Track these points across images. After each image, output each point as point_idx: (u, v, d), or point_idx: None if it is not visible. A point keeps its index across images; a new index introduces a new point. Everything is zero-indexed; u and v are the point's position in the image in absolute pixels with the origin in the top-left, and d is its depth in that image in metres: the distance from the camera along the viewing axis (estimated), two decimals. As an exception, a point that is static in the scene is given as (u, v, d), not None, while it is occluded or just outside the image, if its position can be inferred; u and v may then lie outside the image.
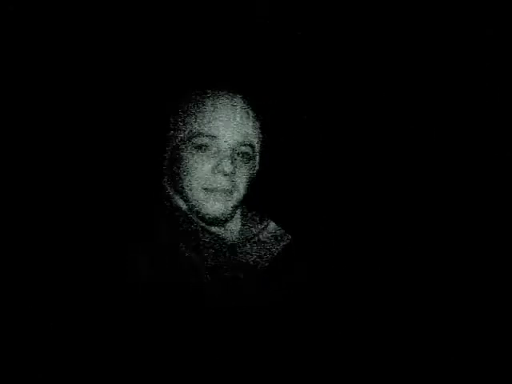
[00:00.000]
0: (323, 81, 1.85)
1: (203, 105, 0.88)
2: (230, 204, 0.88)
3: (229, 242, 0.90)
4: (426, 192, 1.82)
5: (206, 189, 0.87)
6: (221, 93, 0.90)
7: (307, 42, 1.84)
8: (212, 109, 0.87)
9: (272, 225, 0.97)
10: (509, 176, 1.69)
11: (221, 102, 0.88)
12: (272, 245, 0.94)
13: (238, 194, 0.89)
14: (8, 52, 1.63)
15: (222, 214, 0.87)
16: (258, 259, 0.92)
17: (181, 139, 0.89)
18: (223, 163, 0.84)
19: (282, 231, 0.97)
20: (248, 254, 0.92)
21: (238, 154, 0.88)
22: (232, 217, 0.93)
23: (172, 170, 0.92)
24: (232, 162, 0.85)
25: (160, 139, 0.96)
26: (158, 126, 0.97)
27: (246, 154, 0.89)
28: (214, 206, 0.86)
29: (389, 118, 1.86)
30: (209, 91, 0.90)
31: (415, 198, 1.81)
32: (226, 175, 0.85)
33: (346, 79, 1.85)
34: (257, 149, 0.93)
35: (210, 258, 0.87)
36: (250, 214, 0.98)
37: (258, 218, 0.97)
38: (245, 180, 0.89)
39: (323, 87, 1.85)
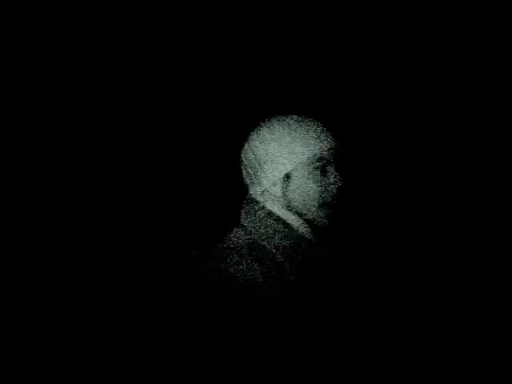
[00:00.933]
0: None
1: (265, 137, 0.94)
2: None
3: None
4: (426, 192, 1.83)
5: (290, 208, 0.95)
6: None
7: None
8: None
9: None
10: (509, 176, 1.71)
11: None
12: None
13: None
14: (8, 52, 1.60)
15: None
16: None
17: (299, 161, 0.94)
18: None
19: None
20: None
21: (313, 169, 0.93)
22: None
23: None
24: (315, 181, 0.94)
25: None
26: None
27: (321, 168, 0.93)
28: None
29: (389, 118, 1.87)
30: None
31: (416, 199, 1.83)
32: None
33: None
34: (327, 158, 0.96)
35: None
36: None
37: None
38: (330, 194, 0.94)
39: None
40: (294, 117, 0.95)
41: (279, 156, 0.91)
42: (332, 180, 0.91)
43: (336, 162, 0.93)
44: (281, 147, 0.91)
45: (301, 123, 0.93)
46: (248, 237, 0.91)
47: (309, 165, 0.91)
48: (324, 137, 0.92)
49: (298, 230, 0.92)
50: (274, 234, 0.90)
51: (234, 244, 0.89)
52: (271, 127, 0.93)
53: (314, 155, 0.90)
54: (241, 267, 0.84)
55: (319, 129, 0.93)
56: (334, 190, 0.91)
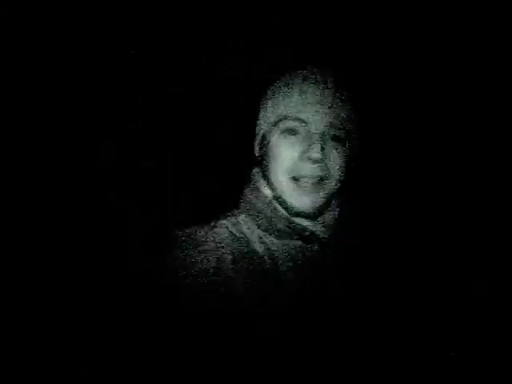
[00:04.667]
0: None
1: (291, 86, 0.80)
2: (321, 196, 0.78)
3: (319, 238, 0.82)
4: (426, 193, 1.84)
5: (292, 177, 0.78)
6: (310, 72, 0.81)
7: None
8: (300, 90, 0.79)
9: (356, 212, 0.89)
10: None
11: (310, 82, 0.80)
12: (369, 239, 0.87)
13: (332, 184, 0.79)
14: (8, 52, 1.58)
15: (309, 207, 0.79)
16: (352, 258, 0.83)
17: (269, 124, 0.82)
18: (312, 149, 0.75)
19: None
20: (341, 251, 0.82)
21: (330, 137, 0.78)
22: (325, 209, 0.83)
23: (261, 157, 0.86)
24: (322, 148, 0.76)
25: (250, 124, 0.90)
26: (249, 110, 0.92)
27: (338, 137, 0.79)
28: (302, 200, 0.78)
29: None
30: (298, 71, 0.83)
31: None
32: (314, 162, 0.76)
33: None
34: (352, 132, 0.82)
35: (293, 255, 0.81)
36: (348, 206, 0.88)
37: (356, 208, 0.88)
38: (338, 167, 0.78)
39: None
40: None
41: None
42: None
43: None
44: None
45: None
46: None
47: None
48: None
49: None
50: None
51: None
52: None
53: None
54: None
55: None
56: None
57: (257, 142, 0.88)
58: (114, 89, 1.72)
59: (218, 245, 0.81)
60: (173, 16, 1.71)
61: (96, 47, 1.69)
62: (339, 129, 0.79)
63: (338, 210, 0.86)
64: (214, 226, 0.83)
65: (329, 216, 0.85)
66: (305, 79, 0.80)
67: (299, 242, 0.82)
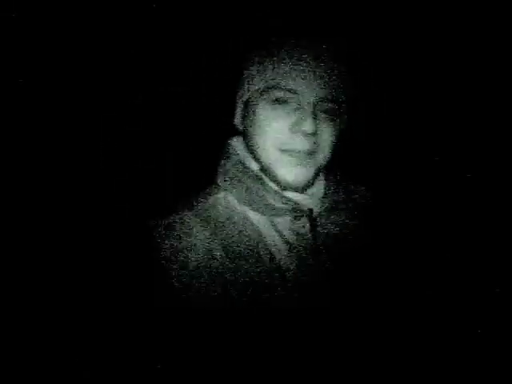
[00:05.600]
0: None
1: (282, 53, 0.75)
2: (311, 169, 0.76)
3: (308, 211, 0.79)
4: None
5: (282, 150, 0.75)
6: (303, 39, 0.76)
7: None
8: (292, 58, 0.74)
9: (362, 191, 0.88)
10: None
11: (302, 50, 0.75)
12: (360, 216, 0.84)
13: (321, 158, 0.77)
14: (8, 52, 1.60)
15: (301, 180, 0.77)
16: (342, 232, 0.81)
17: (255, 92, 0.77)
18: (304, 121, 0.72)
19: (372, 199, 0.87)
20: (331, 224, 0.81)
21: (322, 110, 0.75)
22: (312, 182, 0.81)
23: (244, 127, 0.81)
24: (314, 121, 0.73)
25: (229, 91, 0.84)
26: (229, 76, 0.85)
27: (331, 110, 0.76)
28: (292, 171, 0.75)
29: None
30: (290, 36, 0.77)
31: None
32: (306, 135, 0.73)
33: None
34: (345, 104, 0.78)
35: (285, 229, 0.78)
36: (335, 179, 0.86)
37: (345, 184, 0.86)
38: (329, 141, 0.76)
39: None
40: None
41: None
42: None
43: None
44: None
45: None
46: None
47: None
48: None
49: None
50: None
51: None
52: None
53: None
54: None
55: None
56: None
57: (238, 111, 0.82)
58: (113, 89, 1.74)
59: (206, 233, 0.77)
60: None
61: (96, 47, 1.71)
62: (332, 101, 0.75)
63: (324, 183, 0.84)
64: (196, 209, 0.80)
65: (317, 190, 0.83)
66: (297, 45, 0.75)
67: (288, 218, 0.79)
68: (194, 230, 0.78)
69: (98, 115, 1.75)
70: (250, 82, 0.78)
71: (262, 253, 0.76)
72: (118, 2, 1.67)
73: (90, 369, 1.32)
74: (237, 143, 0.85)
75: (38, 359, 1.52)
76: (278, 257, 0.77)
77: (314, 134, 0.74)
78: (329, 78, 0.74)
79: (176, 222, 0.78)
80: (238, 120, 0.83)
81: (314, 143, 0.75)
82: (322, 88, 0.73)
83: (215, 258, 0.76)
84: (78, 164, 1.74)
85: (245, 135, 0.82)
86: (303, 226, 0.79)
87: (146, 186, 1.68)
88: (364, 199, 0.88)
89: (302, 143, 0.74)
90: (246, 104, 0.80)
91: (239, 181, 0.80)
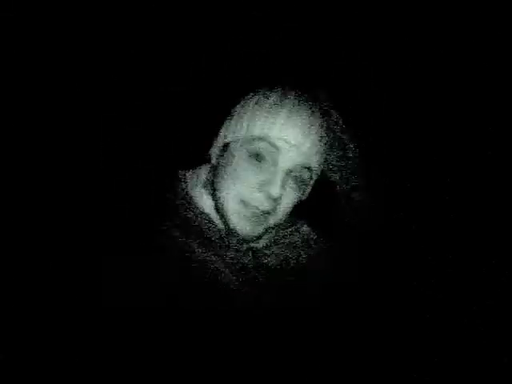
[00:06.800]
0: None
1: (275, 107, 0.76)
2: (262, 227, 0.78)
3: (254, 243, 0.82)
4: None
5: (242, 201, 0.76)
6: (296, 96, 0.78)
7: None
8: (286, 115, 0.76)
9: (305, 228, 0.91)
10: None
11: (296, 106, 0.77)
12: (302, 250, 0.87)
13: (275, 219, 0.78)
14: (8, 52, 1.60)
15: (250, 234, 0.78)
16: (283, 263, 0.84)
17: (238, 137, 0.78)
18: (272, 185, 0.74)
19: (316, 236, 0.90)
20: (273, 256, 0.84)
21: (293, 176, 0.77)
22: (260, 237, 0.82)
23: (217, 162, 0.82)
24: (282, 186, 0.75)
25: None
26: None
27: (301, 178, 0.78)
28: (243, 227, 0.77)
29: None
30: (286, 90, 0.79)
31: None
32: (270, 197, 0.74)
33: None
34: (315, 171, 0.80)
35: (232, 259, 0.80)
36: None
37: (289, 220, 0.86)
38: (289, 206, 0.78)
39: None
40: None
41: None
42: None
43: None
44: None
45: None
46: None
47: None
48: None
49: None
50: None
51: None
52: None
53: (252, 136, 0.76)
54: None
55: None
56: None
57: (216, 149, 0.83)
58: (113, 89, 1.74)
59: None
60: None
61: (96, 47, 1.71)
62: (305, 168, 0.77)
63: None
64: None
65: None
66: (291, 103, 0.77)
67: (233, 254, 0.81)
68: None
69: (97, 115, 1.76)
70: (236, 126, 0.79)
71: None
72: (118, 2, 1.68)
73: (90, 370, 1.32)
74: (194, 175, 0.87)
75: (38, 359, 1.52)
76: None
77: (279, 198, 0.75)
78: (306, 143, 0.76)
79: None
80: (213, 158, 0.84)
81: (273, 206, 0.76)
82: (299, 153, 0.76)
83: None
84: (78, 164, 1.74)
85: (214, 169, 0.82)
86: (248, 257, 0.82)
87: (146, 186, 1.68)
88: (305, 235, 0.91)
89: (263, 203, 0.75)
90: (227, 144, 0.80)
91: (187, 218, 0.83)
